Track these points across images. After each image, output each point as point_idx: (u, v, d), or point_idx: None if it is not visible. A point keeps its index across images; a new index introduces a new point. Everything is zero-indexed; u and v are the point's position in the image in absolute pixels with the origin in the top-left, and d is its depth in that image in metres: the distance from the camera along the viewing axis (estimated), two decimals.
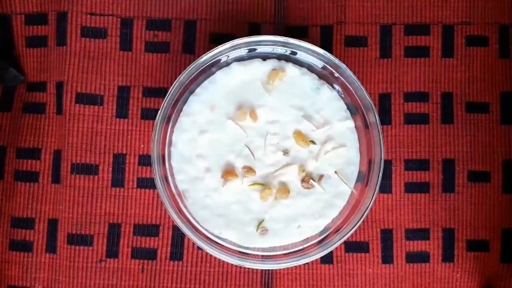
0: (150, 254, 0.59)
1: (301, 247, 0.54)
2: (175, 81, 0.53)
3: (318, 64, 0.55)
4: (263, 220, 0.55)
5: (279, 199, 0.55)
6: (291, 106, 0.55)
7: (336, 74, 0.55)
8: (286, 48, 0.55)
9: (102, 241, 0.59)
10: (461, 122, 0.59)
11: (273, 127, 0.55)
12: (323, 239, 0.54)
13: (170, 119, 0.55)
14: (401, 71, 0.60)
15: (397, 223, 0.59)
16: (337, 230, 0.54)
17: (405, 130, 0.59)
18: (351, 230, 0.53)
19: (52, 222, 0.59)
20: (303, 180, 0.55)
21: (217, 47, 0.53)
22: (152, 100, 0.59)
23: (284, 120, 0.55)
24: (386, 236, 0.59)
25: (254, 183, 0.55)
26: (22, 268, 0.59)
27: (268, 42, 0.54)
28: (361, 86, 0.53)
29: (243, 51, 0.55)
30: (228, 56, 0.54)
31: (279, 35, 0.53)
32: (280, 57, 0.56)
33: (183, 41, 0.60)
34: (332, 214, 0.55)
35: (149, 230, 0.59)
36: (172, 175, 0.55)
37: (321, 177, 0.55)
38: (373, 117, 0.53)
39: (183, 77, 0.53)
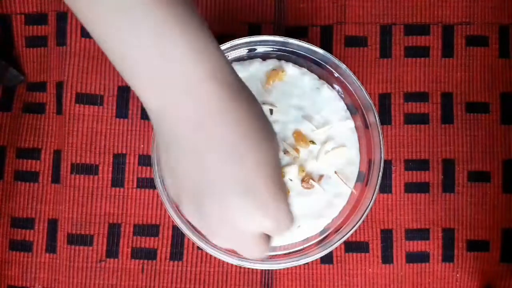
0: (150, 254, 0.59)
1: (301, 247, 0.54)
2: None
3: (318, 64, 0.55)
4: None
5: None
6: (291, 106, 0.55)
7: (336, 74, 0.55)
8: (286, 48, 0.55)
9: (102, 241, 0.59)
10: (461, 122, 0.59)
11: (273, 127, 0.55)
12: (323, 239, 0.54)
13: None
14: (401, 71, 0.60)
15: (397, 223, 0.59)
16: (337, 230, 0.54)
17: (405, 130, 0.59)
18: (351, 230, 0.53)
19: (52, 222, 0.59)
20: (303, 180, 0.55)
21: None
22: None
23: (284, 120, 0.55)
24: (386, 236, 0.59)
25: None
26: (22, 268, 0.59)
27: (268, 42, 0.54)
28: (361, 86, 0.53)
29: (243, 51, 0.55)
30: (228, 56, 0.54)
31: (279, 35, 0.53)
32: (280, 57, 0.56)
33: None
34: (332, 214, 0.55)
35: (149, 230, 0.59)
36: None
37: (321, 177, 0.55)
38: (373, 117, 0.53)
39: None
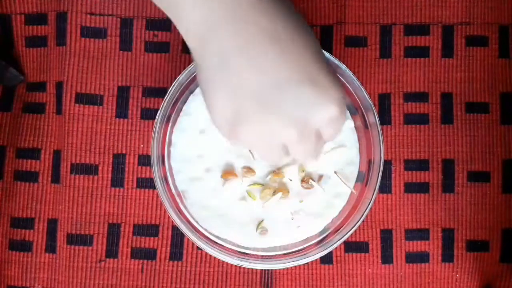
0: (149, 254, 0.59)
1: (301, 247, 0.54)
2: (175, 81, 0.53)
3: None
4: (262, 220, 0.55)
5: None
6: None
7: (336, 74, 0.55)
8: None
9: (102, 241, 0.59)
10: (461, 122, 0.59)
11: None
12: (323, 239, 0.54)
13: (170, 119, 0.55)
14: (401, 71, 0.60)
15: (397, 223, 0.59)
16: (336, 230, 0.54)
17: (405, 130, 0.59)
18: (350, 230, 0.53)
19: (51, 222, 0.59)
20: (303, 180, 0.55)
21: None
22: (152, 100, 0.59)
23: None
24: (386, 236, 0.59)
25: (254, 183, 0.55)
26: (22, 268, 0.59)
27: None
28: (361, 86, 0.53)
29: None
30: None
31: None
32: None
33: (183, 41, 0.59)
34: (332, 214, 0.55)
35: (148, 230, 0.59)
36: (172, 175, 0.55)
37: (320, 177, 0.55)
38: (373, 118, 0.53)
39: (182, 77, 0.53)
